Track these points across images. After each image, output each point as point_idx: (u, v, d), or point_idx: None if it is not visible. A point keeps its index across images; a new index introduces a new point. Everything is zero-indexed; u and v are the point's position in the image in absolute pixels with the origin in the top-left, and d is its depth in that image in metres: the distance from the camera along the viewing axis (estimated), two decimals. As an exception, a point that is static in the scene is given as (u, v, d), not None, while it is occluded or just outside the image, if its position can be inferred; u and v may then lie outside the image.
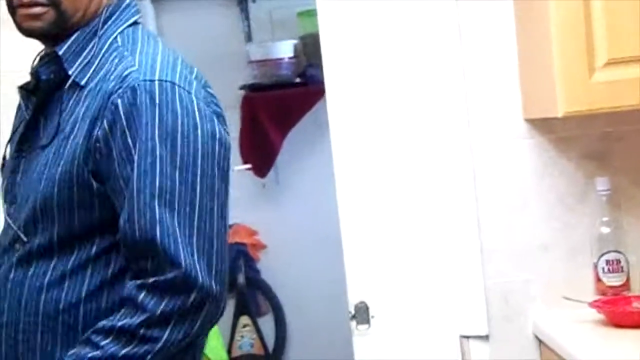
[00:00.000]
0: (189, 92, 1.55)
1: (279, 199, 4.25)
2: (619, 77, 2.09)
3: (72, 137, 1.56)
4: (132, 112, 1.51)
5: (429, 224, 2.39)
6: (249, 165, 4.09)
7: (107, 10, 1.65)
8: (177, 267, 1.47)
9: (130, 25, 1.65)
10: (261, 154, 4.10)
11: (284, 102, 4.05)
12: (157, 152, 1.49)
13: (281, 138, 4.09)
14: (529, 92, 2.35)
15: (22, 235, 1.59)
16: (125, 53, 1.59)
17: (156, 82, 1.52)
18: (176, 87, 1.53)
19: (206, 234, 1.51)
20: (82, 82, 1.59)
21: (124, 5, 1.67)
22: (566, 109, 2.11)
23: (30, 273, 1.57)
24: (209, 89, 1.66)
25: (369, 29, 2.43)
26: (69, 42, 1.62)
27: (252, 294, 4.24)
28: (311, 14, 3.90)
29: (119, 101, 1.52)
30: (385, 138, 2.41)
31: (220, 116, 1.63)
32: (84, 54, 1.62)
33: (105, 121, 1.53)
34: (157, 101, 1.51)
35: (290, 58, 4.07)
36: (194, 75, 1.61)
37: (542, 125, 2.38)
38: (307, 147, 4.11)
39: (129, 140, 1.51)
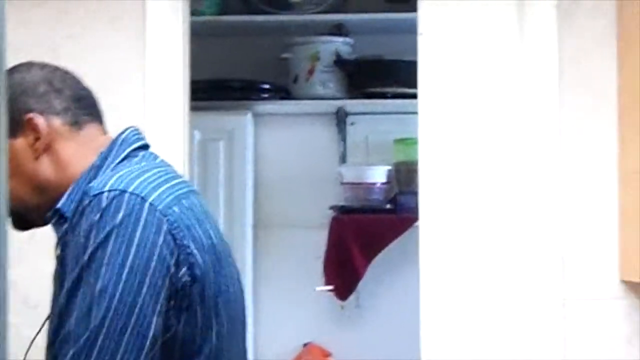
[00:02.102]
0: (143, 199, 1.52)
1: (356, 323, 4.21)
2: None
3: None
4: (76, 226, 1.53)
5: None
6: (330, 287, 4.07)
7: (100, 157, 1.67)
8: None
9: (127, 156, 1.67)
10: (344, 277, 4.08)
11: (372, 227, 4.05)
12: (83, 269, 1.49)
13: (366, 263, 4.06)
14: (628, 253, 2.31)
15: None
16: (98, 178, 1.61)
17: (104, 194, 1.52)
18: (125, 194, 1.52)
19: None
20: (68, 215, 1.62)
21: (117, 144, 1.68)
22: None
23: None
24: (184, 201, 1.59)
25: (467, 159, 2.43)
26: (64, 197, 1.64)
27: (320, 417, 4.16)
28: (407, 142, 3.93)
29: (70, 219, 1.56)
30: (476, 276, 2.39)
31: (179, 228, 1.55)
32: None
33: (59, 241, 1.59)
34: (98, 211, 1.50)
35: (382, 183, 4.08)
36: (164, 187, 1.58)
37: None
38: (391, 274, 4.08)
39: (69, 252, 1.53)
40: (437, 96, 2.48)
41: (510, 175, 2.42)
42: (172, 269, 1.52)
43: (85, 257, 1.49)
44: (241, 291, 1.73)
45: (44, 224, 1.68)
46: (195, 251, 1.55)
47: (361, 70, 4.06)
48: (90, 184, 1.57)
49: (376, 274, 4.12)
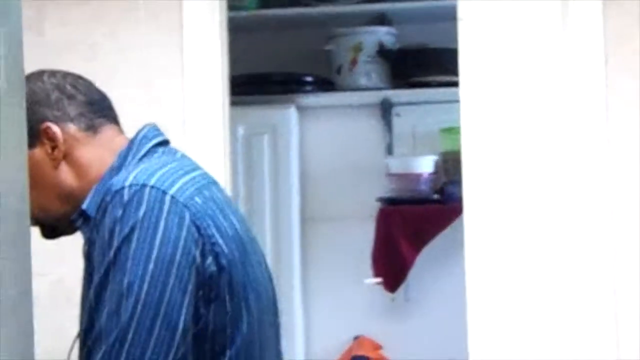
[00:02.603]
0: (164, 192, 1.52)
1: (407, 315, 4.18)
2: None
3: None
4: (100, 222, 1.52)
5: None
6: (379, 279, 4.05)
7: (119, 157, 1.67)
8: None
9: (147, 152, 1.67)
10: (393, 269, 4.05)
11: (420, 218, 4.01)
12: (109, 264, 1.49)
13: (414, 254, 4.03)
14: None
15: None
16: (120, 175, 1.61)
17: (125, 189, 1.52)
18: (147, 187, 1.52)
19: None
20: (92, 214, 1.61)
21: (136, 143, 1.68)
22: None
23: None
24: (206, 192, 1.59)
25: (511, 148, 2.39)
26: (88, 199, 1.64)
27: (373, 410, 4.14)
28: (454, 131, 3.88)
29: (94, 217, 1.55)
30: (522, 267, 2.35)
31: (202, 219, 1.55)
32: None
33: (86, 240, 1.58)
34: (120, 206, 1.50)
35: (429, 174, 4.04)
36: (184, 179, 1.58)
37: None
38: (441, 265, 4.04)
39: (95, 250, 1.52)
40: (479, 83, 2.44)
41: (556, 163, 2.37)
42: (198, 260, 1.52)
43: (111, 254, 1.49)
44: (270, 280, 1.72)
45: (74, 230, 1.69)
46: (220, 241, 1.55)
47: (405, 60, 4.02)
48: (111, 181, 1.58)
49: (425, 266, 4.09)
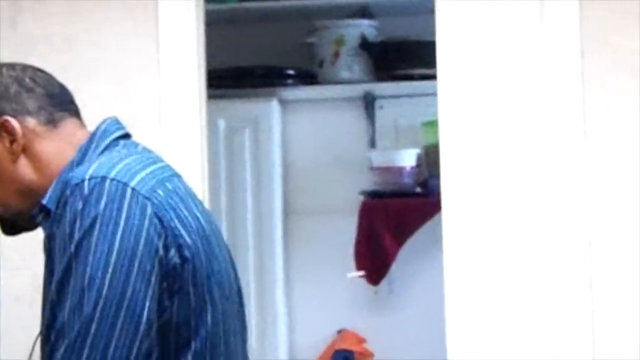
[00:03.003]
0: (125, 184, 1.51)
1: (390, 308, 4.17)
2: None
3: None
4: (60, 216, 1.51)
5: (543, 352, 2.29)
6: (362, 273, 4.04)
7: (80, 151, 1.65)
8: None
9: (108, 146, 1.65)
10: (376, 262, 4.04)
11: (403, 211, 4.01)
12: (71, 256, 1.48)
13: (397, 247, 4.03)
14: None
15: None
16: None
17: (84, 182, 1.51)
18: (107, 180, 1.51)
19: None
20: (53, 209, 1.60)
21: (97, 136, 1.67)
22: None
23: None
24: (168, 184, 1.59)
25: (490, 142, 2.38)
26: (48, 193, 1.61)
27: (356, 404, 4.14)
28: (436, 124, 3.86)
29: (53, 210, 1.54)
30: (501, 259, 2.34)
31: (164, 210, 1.54)
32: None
33: (47, 234, 1.56)
34: (78, 199, 1.49)
35: (412, 167, 4.03)
36: (146, 171, 1.57)
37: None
38: (424, 258, 4.03)
39: (56, 244, 1.51)
40: (457, 76, 2.43)
41: (534, 157, 2.36)
42: (161, 252, 1.51)
43: (72, 247, 1.48)
44: (234, 273, 1.71)
45: (35, 226, 1.66)
46: (183, 232, 1.54)
47: (387, 53, 4.01)
48: (71, 174, 1.56)
49: (409, 259, 4.08)
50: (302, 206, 4.18)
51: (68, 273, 1.48)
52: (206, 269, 1.57)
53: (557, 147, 2.34)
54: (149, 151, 1.68)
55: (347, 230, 4.01)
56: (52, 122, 1.67)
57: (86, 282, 1.46)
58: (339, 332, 4.17)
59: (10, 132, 1.64)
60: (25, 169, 1.65)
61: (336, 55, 3.99)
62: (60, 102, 1.70)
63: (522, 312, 2.32)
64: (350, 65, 4.00)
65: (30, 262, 2.61)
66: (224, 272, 1.64)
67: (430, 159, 4.01)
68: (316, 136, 4.15)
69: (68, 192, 1.51)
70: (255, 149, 3.95)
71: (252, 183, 3.95)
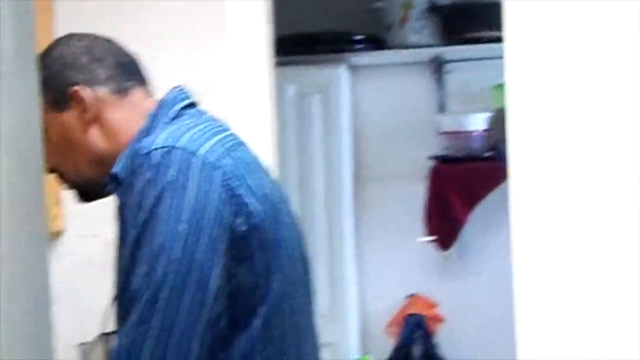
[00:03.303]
0: (192, 152, 1.54)
1: (461, 272, 4.17)
2: None
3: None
4: (130, 185, 1.54)
5: (615, 322, 2.26)
6: (432, 238, 4.04)
7: (149, 119, 1.67)
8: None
9: (176, 116, 1.67)
10: (446, 227, 4.04)
11: (473, 175, 3.99)
12: (140, 229, 1.51)
13: (467, 212, 4.02)
14: None
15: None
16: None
17: (151, 152, 1.53)
18: (175, 149, 1.53)
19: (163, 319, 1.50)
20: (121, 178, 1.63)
21: (166, 104, 1.69)
22: None
23: None
24: (235, 153, 1.61)
25: (560, 105, 2.35)
26: (118, 162, 1.64)
27: (428, 368, 4.15)
28: (507, 87, 3.83)
29: (124, 179, 1.57)
30: (569, 221, 2.32)
31: (232, 179, 1.56)
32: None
33: (118, 202, 1.59)
34: (148, 168, 1.52)
35: (482, 131, 4.01)
36: (213, 140, 1.59)
37: None
38: (494, 223, 4.01)
39: (127, 213, 1.55)
40: (524, 38, 2.39)
41: (605, 120, 2.32)
42: (229, 219, 1.53)
43: (142, 216, 1.51)
44: (302, 241, 1.73)
45: (108, 194, 1.70)
46: (250, 200, 1.56)
47: (457, 16, 3.97)
48: (141, 144, 1.59)
49: (479, 223, 4.07)
50: (372, 171, 4.19)
51: (139, 241, 1.51)
52: (273, 237, 1.59)
53: (632, 110, 2.29)
54: (216, 119, 1.70)
55: (416, 195, 4.01)
56: (121, 91, 1.70)
57: (156, 249, 1.49)
58: (410, 296, 4.19)
59: (81, 102, 1.68)
60: (95, 138, 1.69)
61: (405, 19, 3.97)
62: (129, 72, 1.73)
63: (595, 279, 2.30)
64: (419, 29, 3.98)
65: (102, 228, 2.68)
66: (290, 240, 1.66)
67: (500, 123, 3.97)
68: (385, 101, 4.15)
69: (137, 161, 1.54)
70: (324, 115, 3.97)
71: (322, 149, 3.97)
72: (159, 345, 1.48)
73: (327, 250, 3.95)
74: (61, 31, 1.90)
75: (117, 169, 1.64)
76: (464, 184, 4.00)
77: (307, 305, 1.72)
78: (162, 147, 1.54)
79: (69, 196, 2.67)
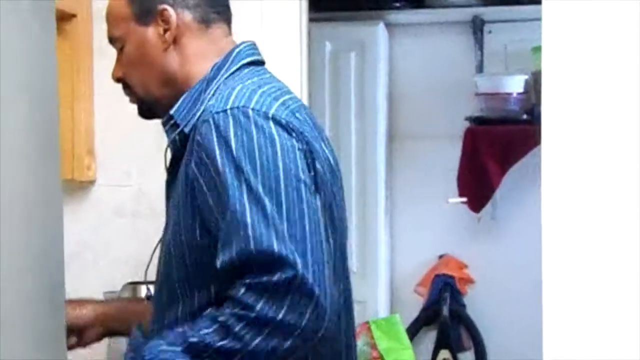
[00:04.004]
0: (265, 113, 1.54)
1: (493, 235, 4.16)
2: None
3: (179, 184, 1.62)
4: (208, 144, 1.53)
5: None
6: (464, 199, 4.03)
7: (213, 67, 1.68)
8: (286, 267, 1.45)
9: (237, 70, 1.68)
10: (479, 188, 4.02)
11: (508, 138, 3.96)
12: (240, 176, 1.49)
13: (501, 174, 3.99)
14: None
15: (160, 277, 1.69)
16: (216, 94, 1.62)
17: (228, 111, 1.54)
18: (249, 110, 1.54)
19: (301, 235, 1.48)
20: (186, 130, 1.64)
21: (231, 58, 1.69)
22: None
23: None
24: (298, 115, 1.62)
25: (597, 69, 2.32)
26: (178, 104, 1.66)
27: (455, 328, 4.16)
28: (546, 50, 3.78)
29: (198, 137, 1.56)
30: (599, 187, 2.30)
31: (303, 136, 1.58)
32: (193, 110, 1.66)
33: (192, 159, 1.57)
34: (228, 128, 1.52)
35: (519, 94, 3.97)
36: (279, 102, 1.59)
37: None
38: (527, 186, 3.99)
39: (212, 171, 1.53)
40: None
41: (640, 84, 2.28)
42: (306, 173, 1.55)
43: (229, 177, 1.50)
44: (344, 202, 1.76)
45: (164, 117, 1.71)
46: (317, 160, 1.59)
47: (497, -24, 3.93)
48: (210, 102, 1.59)
49: (512, 186, 4.05)
50: (407, 130, 4.18)
51: (229, 202, 1.49)
52: (330, 198, 1.62)
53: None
54: (278, 80, 1.71)
55: (451, 156, 3.99)
56: (205, 22, 1.71)
57: (270, 197, 1.49)
58: (441, 257, 4.19)
59: (166, 22, 1.69)
60: (171, 59, 1.70)
61: (445, -22, 3.93)
62: (216, 4, 1.74)
63: (617, 262, 2.28)
64: (459, -12, 3.94)
65: (133, 179, 2.70)
66: (341, 203, 1.70)
67: (538, 85, 3.92)
68: (423, 61, 4.13)
69: (211, 120, 1.55)
70: (360, 73, 3.94)
71: (357, 106, 3.95)
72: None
73: (360, 208, 3.94)
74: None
75: (173, 110, 1.66)
76: (499, 146, 3.97)
77: (344, 266, 1.73)
78: (235, 108, 1.54)
79: (100, 146, 2.71)
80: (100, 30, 2.61)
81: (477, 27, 4.09)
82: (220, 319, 1.48)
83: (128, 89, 1.75)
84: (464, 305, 4.19)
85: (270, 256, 1.45)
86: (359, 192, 3.95)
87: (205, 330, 1.49)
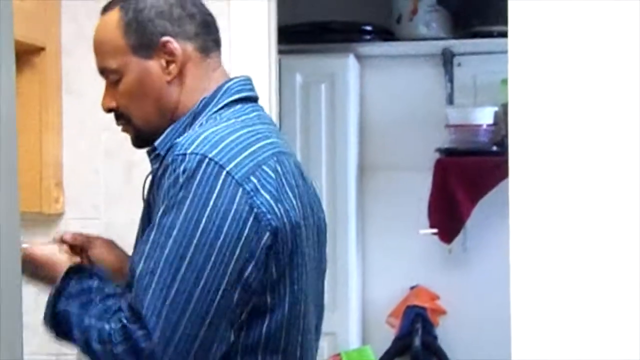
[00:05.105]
0: (222, 167, 1.54)
1: (464, 266, 4.17)
2: None
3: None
4: (161, 184, 1.55)
5: (612, 319, 2.26)
6: (435, 230, 4.04)
7: (201, 102, 1.68)
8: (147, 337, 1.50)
9: (224, 106, 1.67)
10: (449, 220, 4.03)
11: (478, 169, 3.98)
12: (164, 221, 1.52)
13: (471, 205, 4.01)
14: None
15: None
16: (190, 132, 1.62)
17: (187, 155, 1.54)
18: (205, 159, 1.53)
19: (176, 320, 1.51)
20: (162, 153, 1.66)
21: (220, 94, 1.69)
22: None
23: None
24: (266, 167, 1.60)
25: (561, 102, 2.35)
26: (163, 136, 1.67)
27: (427, 359, 4.16)
28: (515, 82, 3.82)
29: (158, 174, 1.59)
30: (567, 217, 2.31)
31: (255, 197, 1.56)
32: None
33: (152, 176, 1.62)
34: (179, 172, 1.53)
35: (489, 125, 4.00)
36: (247, 152, 1.58)
37: None
38: (498, 216, 3.99)
39: (155, 207, 1.56)
40: (529, 33, 2.39)
41: (609, 114, 2.31)
42: (245, 234, 1.53)
43: (159, 217, 1.53)
44: (322, 254, 1.76)
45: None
46: (271, 217, 1.56)
47: (466, 9, 3.97)
48: (178, 139, 1.59)
49: (483, 217, 4.06)
50: (377, 162, 4.19)
51: (152, 239, 1.53)
52: (290, 251, 1.59)
53: (633, 108, 2.29)
54: (263, 122, 1.70)
55: (422, 187, 4.01)
56: (205, 51, 1.71)
57: (170, 255, 1.52)
58: (412, 288, 4.19)
59: (170, 54, 1.68)
60: (173, 91, 1.70)
61: (414, 11, 3.96)
62: (212, 31, 1.74)
63: (590, 276, 2.29)
64: (429, 22, 3.97)
65: (103, 212, 2.69)
66: (309, 253, 1.67)
67: (507, 117, 3.96)
68: (393, 92, 4.15)
69: (169, 160, 1.56)
70: (331, 104, 3.95)
71: (328, 138, 3.95)
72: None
73: (331, 239, 3.92)
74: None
75: (159, 142, 1.66)
76: (469, 177, 3.99)
77: (315, 314, 1.73)
78: (195, 154, 1.54)
79: (69, 180, 2.70)
80: (68, 64, 2.63)
81: (447, 59, 4.12)
82: (112, 326, 1.53)
83: (122, 119, 1.73)
84: (435, 337, 4.18)
85: (142, 317, 1.51)
86: (330, 223, 3.88)
87: (94, 322, 1.55)
